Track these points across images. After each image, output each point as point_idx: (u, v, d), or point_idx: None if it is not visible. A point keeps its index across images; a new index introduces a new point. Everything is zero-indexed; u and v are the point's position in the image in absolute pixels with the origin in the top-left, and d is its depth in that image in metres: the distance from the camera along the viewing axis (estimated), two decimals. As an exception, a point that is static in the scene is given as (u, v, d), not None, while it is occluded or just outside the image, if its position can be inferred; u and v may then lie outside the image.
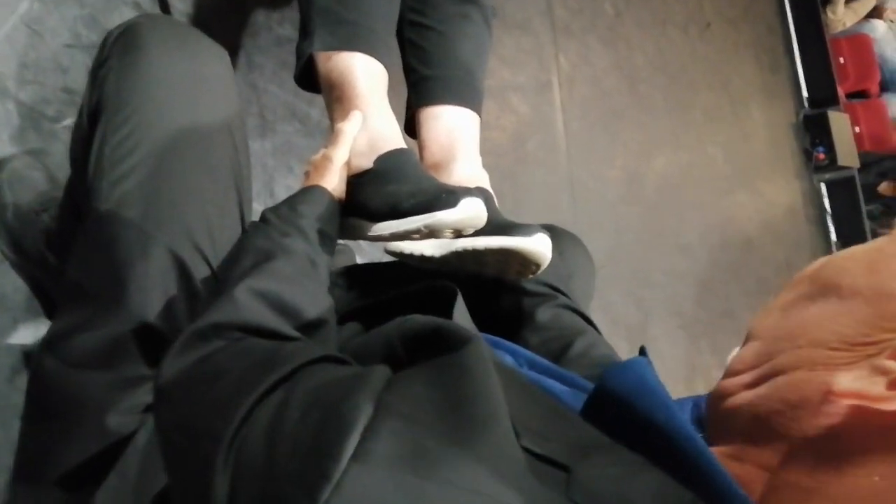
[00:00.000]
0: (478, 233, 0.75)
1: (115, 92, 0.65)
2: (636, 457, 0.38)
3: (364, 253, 1.44)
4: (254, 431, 0.38)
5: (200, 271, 0.64)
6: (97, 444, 0.57)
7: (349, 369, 0.43)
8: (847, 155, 3.41)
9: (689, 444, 0.38)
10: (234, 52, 1.35)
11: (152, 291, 0.61)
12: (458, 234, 0.73)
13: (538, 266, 0.77)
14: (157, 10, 1.22)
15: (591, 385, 0.57)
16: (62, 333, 0.62)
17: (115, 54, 0.66)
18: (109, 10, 1.16)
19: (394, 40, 0.89)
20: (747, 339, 0.46)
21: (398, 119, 0.91)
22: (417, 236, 0.71)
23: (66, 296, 0.65)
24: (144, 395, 0.60)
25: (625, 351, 0.86)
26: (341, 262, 1.32)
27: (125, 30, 0.68)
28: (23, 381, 0.97)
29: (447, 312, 0.55)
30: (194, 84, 0.67)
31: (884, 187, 3.99)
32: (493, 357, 0.42)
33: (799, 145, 3.40)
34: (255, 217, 0.78)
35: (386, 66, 0.84)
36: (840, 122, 3.45)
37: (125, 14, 1.18)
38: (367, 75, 0.81)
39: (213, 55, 0.71)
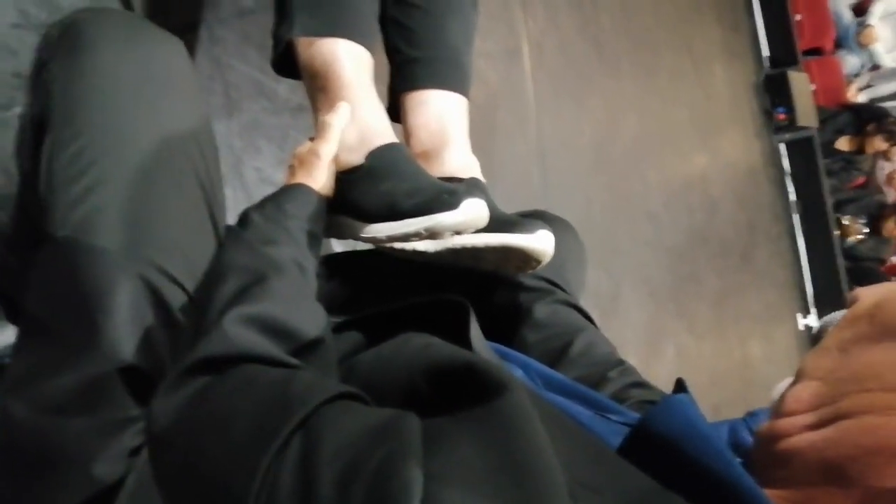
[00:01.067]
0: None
1: (62, 101, 0.59)
2: None
3: (345, 242, 1.40)
4: (281, 495, 0.35)
5: (176, 298, 0.59)
6: (84, 494, 0.53)
7: (374, 416, 0.40)
8: (806, 115, 3.46)
9: (747, 494, 0.37)
10: (194, 27, 1.27)
11: (126, 325, 0.56)
12: (458, 233, 0.69)
13: (539, 263, 0.74)
14: (111, -17, 1.13)
15: (609, 404, 0.55)
16: (28, 376, 0.57)
17: (59, 57, 0.60)
18: (59, -15, 1.07)
19: (377, 22, 0.84)
20: (799, 378, 0.44)
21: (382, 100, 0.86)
22: (416, 239, 0.67)
23: (28, 332, 0.59)
24: (130, 438, 0.55)
25: (598, 321, 0.84)
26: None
27: (67, 27, 0.61)
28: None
29: (458, 330, 0.52)
30: (150, 86, 0.61)
31: (842, 142, 4.08)
32: (528, 393, 0.39)
33: (759, 105, 3.44)
34: (230, 207, 0.73)
35: (371, 51, 0.79)
36: (799, 82, 3.49)
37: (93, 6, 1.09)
38: (352, 63, 0.76)
39: (168, 50, 0.64)
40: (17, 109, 1.00)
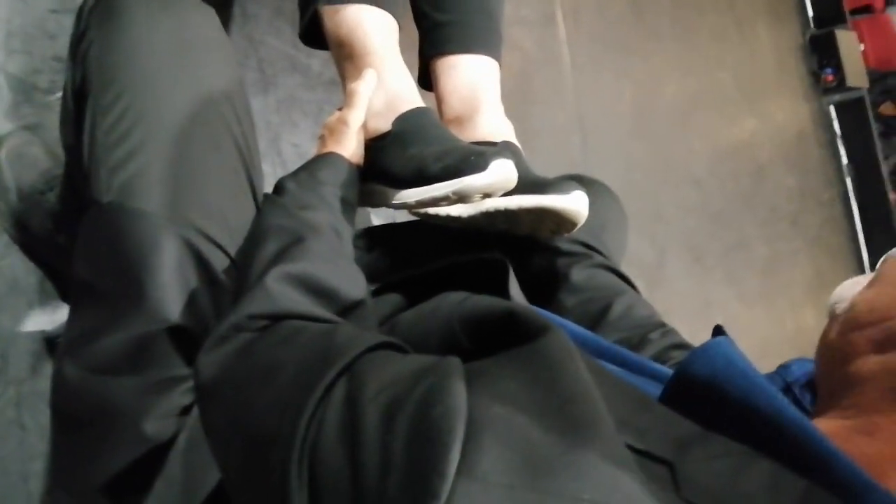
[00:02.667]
0: (509, 191, 0.71)
1: (99, 69, 0.60)
2: (739, 446, 0.35)
3: (380, 212, 1.40)
4: (326, 436, 0.35)
5: (218, 259, 0.60)
6: (136, 452, 0.55)
7: (416, 359, 0.40)
8: (856, 75, 3.31)
9: (797, 429, 0.35)
10: (226, 4, 1.28)
11: (171, 286, 0.58)
12: (488, 196, 0.68)
13: (574, 224, 0.73)
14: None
15: (648, 364, 0.54)
16: (80, 338, 0.59)
17: (94, 25, 0.61)
18: (94, -33, 1.09)
19: (403, -13, 0.83)
20: (876, 282, 0.41)
21: (411, 69, 0.86)
22: (445, 203, 0.67)
23: (78, 296, 0.61)
24: (180, 396, 0.57)
25: (643, 290, 0.82)
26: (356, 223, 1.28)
27: None
28: (46, 367, 0.95)
29: (497, 287, 0.52)
30: (185, 51, 0.62)
31: (885, 107, 3.90)
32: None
33: (806, 66, 3.31)
34: (268, 184, 0.74)
35: (398, 17, 0.79)
36: (848, 41, 3.34)
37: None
38: (378, 30, 0.75)
39: (200, 15, 0.65)
40: (60, 93, 1.03)
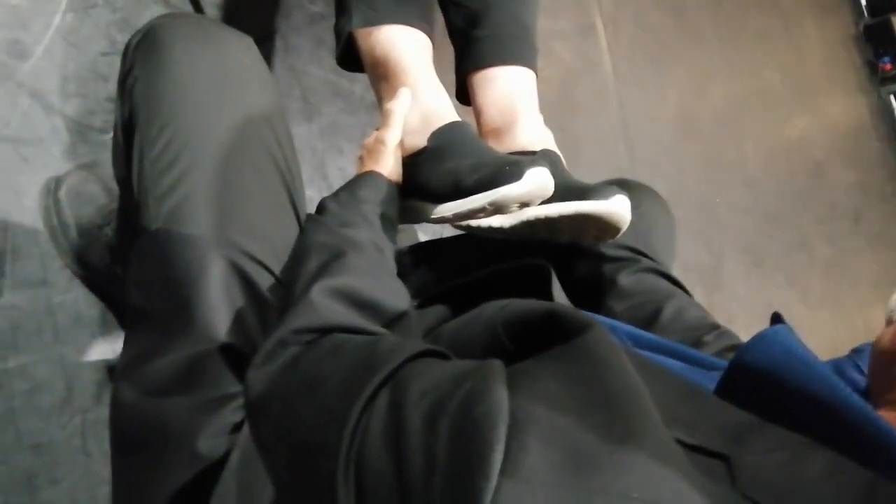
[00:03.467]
0: (549, 199, 0.70)
1: (145, 101, 0.62)
2: (797, 436, 0.34)
3: (426, 229, 1.41)
4: (371, 443, 0.36)
5: (263, 279, 0.62)
6: (191, 471, 0.56)
7: (458, 364, 0.40)
8: (915, 62, 3.19)
9: (860, 416, 0.34)
10: (268, 37, 1.32)
11: (218, 307, 0.59)
12: (526, 205, 0.68)
13: (618, 230, 0.72)
14: (187, 5, 1.19)
15: (707, 358, 0.52)
16: (134, 361, 0.60)
17: (139, 61, 0.63)
18: (140, 10, 1.14)
19: (434, 4, 0.84)
20: None
21: (447, 87, 0.86)
22: (483, 214, 0.67)
23: (132, 322, 0.63)
24: (231, 414, 0.58)
25: (700, 296, 0.80)
26: (402, 240, 1.29)
27: (144, 34, 0.65)
28: (109, 396, 0.98)
29: (541, 292, 0.51)
30: (224, 80, 0.64)
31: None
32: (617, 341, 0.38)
33: (861, 58, 3.20)
34: (311, 205, 0.75)
35: (429, 35, 0.79)
36: (904, 28, 3.23)
37: (157, 13, 1.15)
38: (411, 48, 0.76)
39: (239, 46, 0.67)
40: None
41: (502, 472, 0.29)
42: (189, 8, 1.20)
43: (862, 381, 0.46)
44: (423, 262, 1.01)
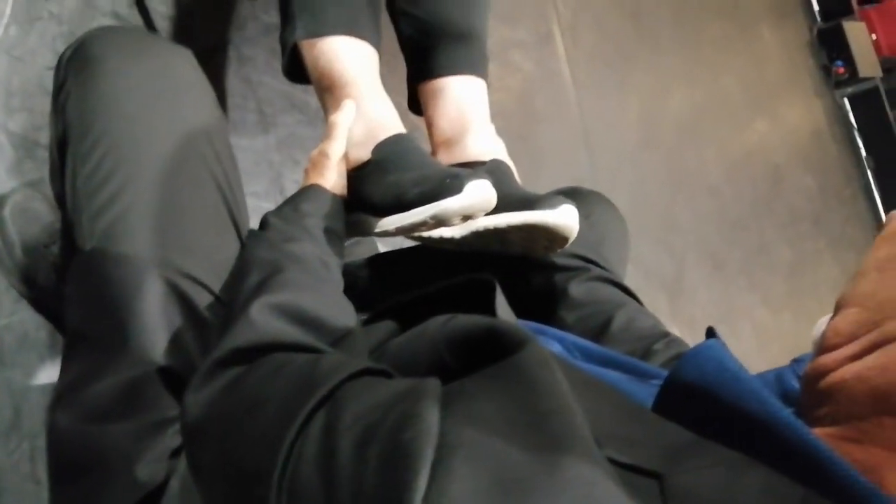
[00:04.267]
0: (497, 209, 0.70)
1: (77, 116, 0.60)
2: (732, 453, 0.34)
3: (386, 240, 1.40)
4: (304, 469, 0.35)
5: (202, 298, 0.60)
6: (131, 499, 0.54)
7: (395, 385, 0.39)
8: (868, 65, 3.28)
9: (791, 432, 0.34)
10: (222, 48, 1.30)
11: (156, 329, 0.58)
12: (469, 218, 0.68)
13: (566, 239, 0.72)
14: (135, 15, 1.17)
15: (653, 369, 0.52)
16: (70, 386, 0.59)
17: (71, 75, 0.62)
18: (87, 23, 1.11)
19: (380, 15, 0.84)
20: (839, 308, 0.41)
21: (401, 96, 0.86)
22: (425, 228, 0.66)
23: (69, 345, 0.61)
24: (170, 438, 0.56)
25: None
26: (362, 252, 1.28)
27: (76, 48, 0.63)
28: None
29: (487, 306, 0.51)
30: (159, 93, 0.62)
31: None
32: (553, 356, 0.38)
33: (816, 62, 3.28)
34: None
35: (375, 45, 0.79)
36: (857, 32, 3.31)
37: (105, 25, 1.13)
38: (355, 60, 0.76)
39: (175, 58, 0.66)
40: (61, 147, 1.05)
41: (427, 497, 0.29)
42: (139, 20, 1.18)
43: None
44: (381, 273, 1.00)
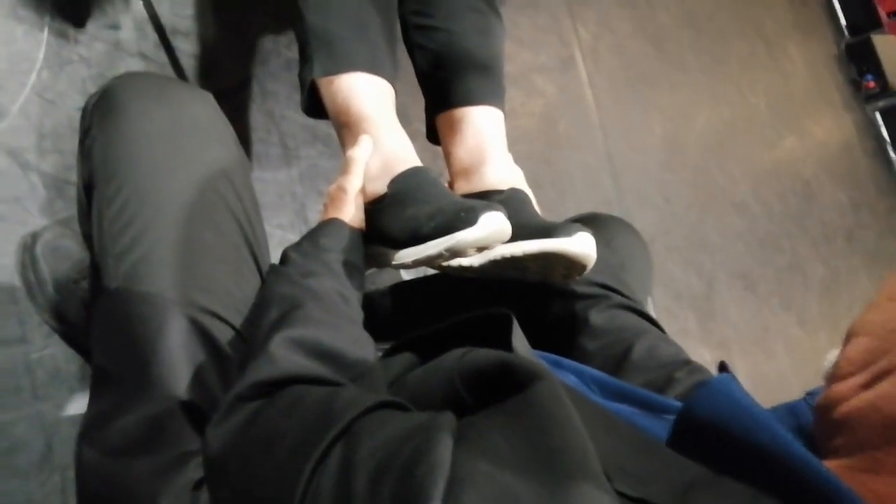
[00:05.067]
0: (514, 238, 0.71)
1: (102, 161, 0.62)
2: (745, 488, 0.34)
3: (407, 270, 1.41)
4: (321, 502, 0.36)
5: (224, 334, 0.61)
6: None
7: (410, 419, 0.40)
8: (899, 78, 3.22)
9: (803, 466, 0.34)
10: (245, 84, 1.33)
11: (178, 365, 0.59)
12: (484, 248, 0.68)
13: (584, 267, 0.72)
14: (161, 55, 1.20)
15: (669, 403, 0.52)
16: (95, 422, 0.60)
17: (96, 121, 0.64)
18: (115, 64, 1.15)
19: (396, 50, 0.85)
20: (849, 338, 0.41)
21: (420, 127, 0.86)
22: (441, 260, 0.67)
23: (95, 382, 0.63)
24: (192, 471, 0.57)
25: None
26: (385, 279, 1.28)
27: (101, 94, 0.65)
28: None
29: (505, 339, 0.51)
30: (179, 136, 0.64)
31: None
32: (567, 390, 0.39)
33: (844, 77, 3.23)
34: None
35: (391, 80, 0.80)
36: (887, 45, 3.27)
37: (132, 66, 1.17)
38: (371, 95, 0.77)
39: (195, 100, 0.68)
40: (91, 185, 1.08)
41: None
42: (165, 60, 1.22)
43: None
44: (403, 301, 1.00)
